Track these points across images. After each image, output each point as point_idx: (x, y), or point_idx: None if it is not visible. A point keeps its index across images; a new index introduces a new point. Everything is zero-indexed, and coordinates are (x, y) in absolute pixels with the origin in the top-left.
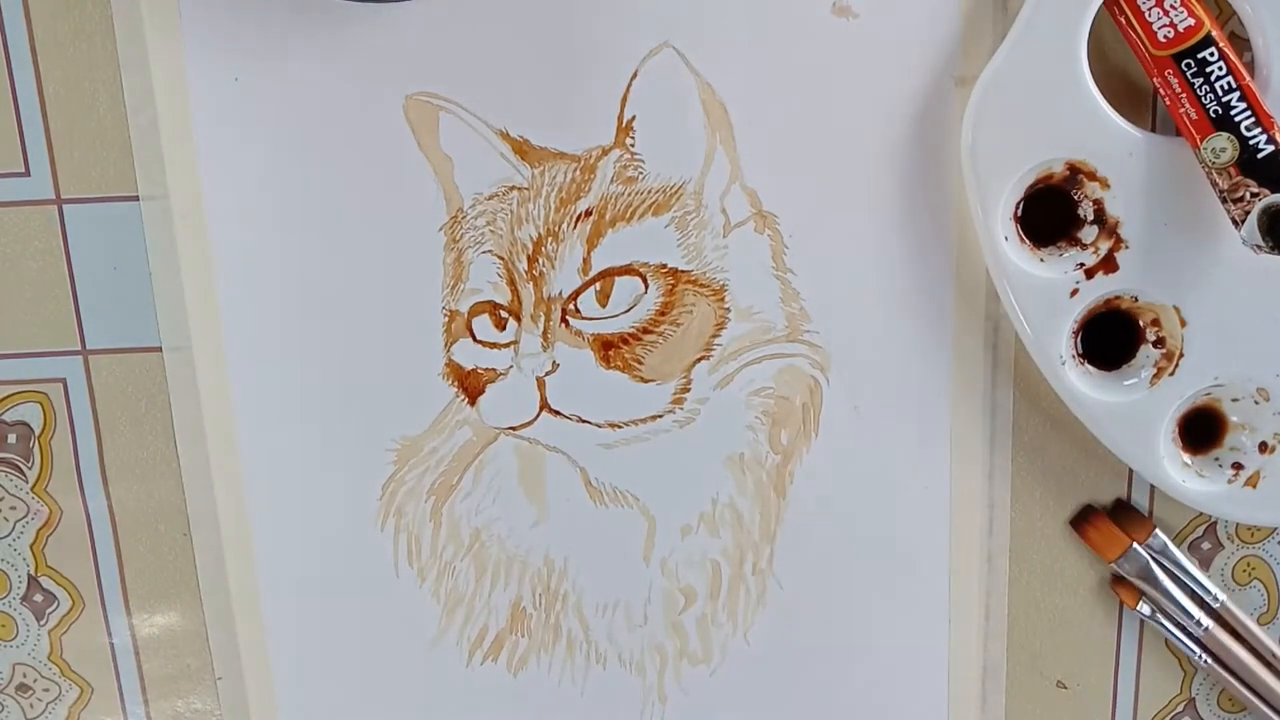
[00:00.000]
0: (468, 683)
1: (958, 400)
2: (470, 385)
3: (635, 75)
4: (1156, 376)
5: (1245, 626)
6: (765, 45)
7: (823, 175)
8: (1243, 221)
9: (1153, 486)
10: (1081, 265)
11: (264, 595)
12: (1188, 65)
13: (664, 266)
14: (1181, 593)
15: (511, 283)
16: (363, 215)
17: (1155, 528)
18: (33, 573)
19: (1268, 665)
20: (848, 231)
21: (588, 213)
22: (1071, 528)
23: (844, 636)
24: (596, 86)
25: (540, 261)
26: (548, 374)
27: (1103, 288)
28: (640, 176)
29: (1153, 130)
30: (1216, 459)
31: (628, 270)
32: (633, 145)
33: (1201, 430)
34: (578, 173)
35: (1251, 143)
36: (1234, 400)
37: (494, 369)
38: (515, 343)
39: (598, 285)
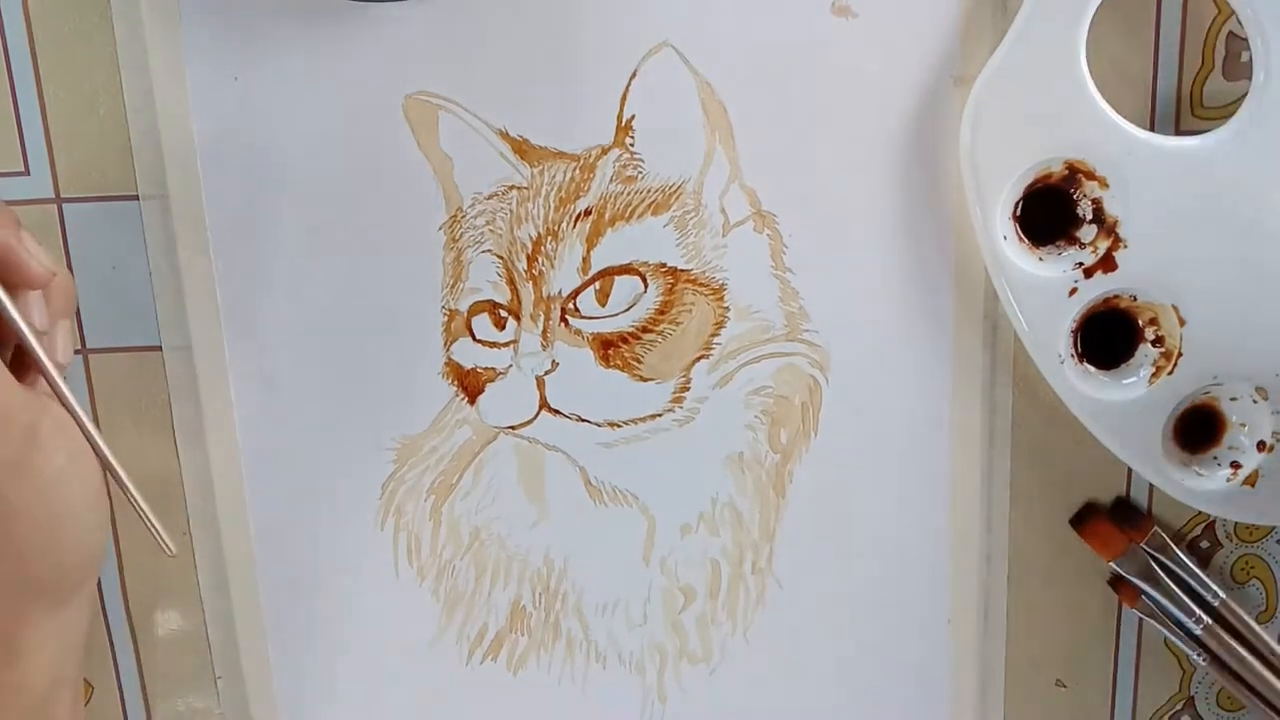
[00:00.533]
0: (467, 682)
1: (957, 399)
2: (470, 384)
3: (635, 75)
4: (1155, 375)
5: (1244, 625)
6: (765, 45)
7: (822, 175)
8: None
9: (1152, 486)
10: (1080, 264)
11: (264, 595)
12: None
13: (663, 266)
14: (1181, 591)
15: (511, 282)
16: (362, 215)
17: (1154, 527)
18: None
19: (1267, 664)
20: (847, 231)
21: (587, 212)
22: (1071, 527)
23: (844, 636)
24: (596, 86)
25: (540, 261)
26: (547, 373)
27: (1101, 287)
28: (639, 176)
29: (1152, 129)
30: (1215, 458)
31: (627, 269)
32: (632, 145)
33: (1200, 429)
34: (577, 172)
35: None
36: (1232, 399)
37: (493, 368)
38: (515, 342)
39: (597, 284)
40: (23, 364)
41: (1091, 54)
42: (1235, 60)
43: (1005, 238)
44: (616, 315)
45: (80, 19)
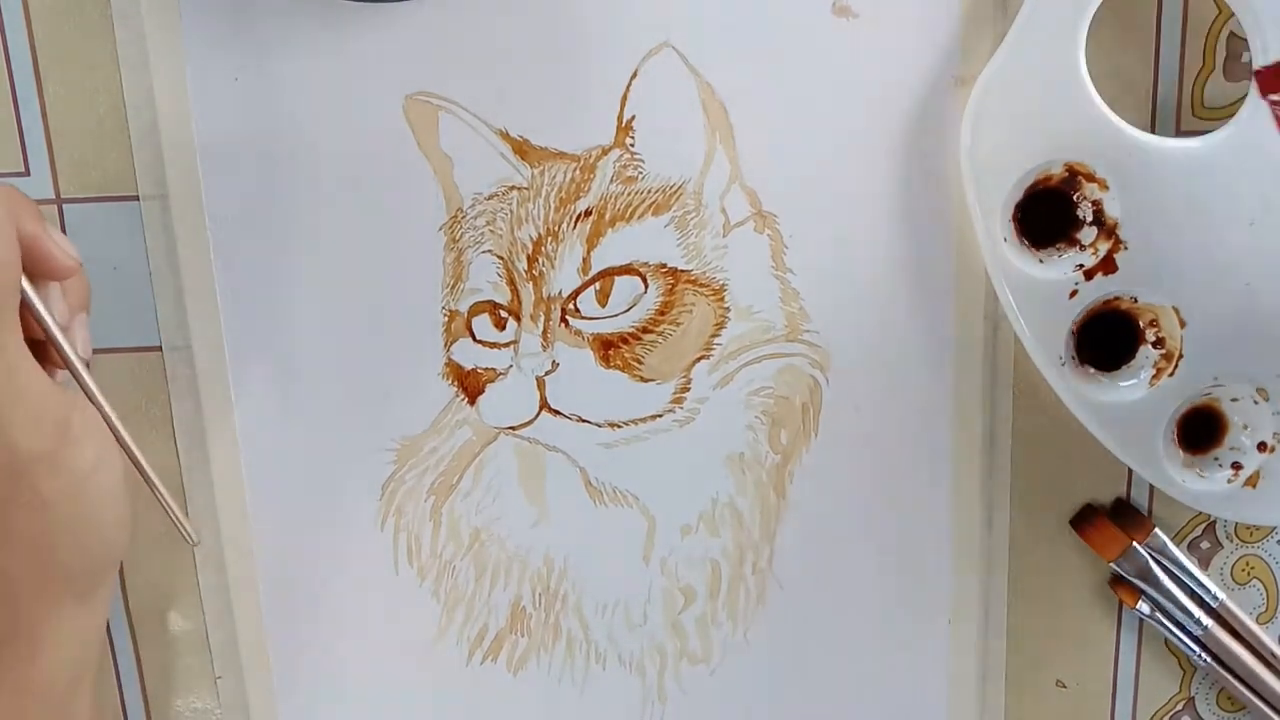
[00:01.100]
0: (467, 682)
1: (957, 400)
2: (470, 385)
3: (635, 75)
4: (1156, 377)
5: (1244, 625)
6: (765, 45)
7: (822, 175)
8: None
9: (1152, 486)
10: (1080, 266)
11: (264, 595)
12: None
13: (664, 266)
14: (1181, 592)
15: (511, 282)
16: (363, 215)
17: (1154, 527)
18: None
19: (1267, 664)
20: (847, 231)
21: (587, 212)
22: (1071, 527)
23: (844, 636)
24: (596, 86)
25: (540, 261)
26: (547, 374)
27: (1102, 289)
28: (640, 176)
29: (1152, 131)
30: (1216, 459)
31: (627, 270)
32: (632, 145)
33: (1201, 430)
34: (577, 172)
35: None
36: (1233, 400)
37: (494, 369)
38: (515, 342)
39: (597, 285)
40: (43, 358)
41: (1091, 55)
42: (1235, 61)
43: (1005, 239)
44: (617, 316)
45: (80, 19)
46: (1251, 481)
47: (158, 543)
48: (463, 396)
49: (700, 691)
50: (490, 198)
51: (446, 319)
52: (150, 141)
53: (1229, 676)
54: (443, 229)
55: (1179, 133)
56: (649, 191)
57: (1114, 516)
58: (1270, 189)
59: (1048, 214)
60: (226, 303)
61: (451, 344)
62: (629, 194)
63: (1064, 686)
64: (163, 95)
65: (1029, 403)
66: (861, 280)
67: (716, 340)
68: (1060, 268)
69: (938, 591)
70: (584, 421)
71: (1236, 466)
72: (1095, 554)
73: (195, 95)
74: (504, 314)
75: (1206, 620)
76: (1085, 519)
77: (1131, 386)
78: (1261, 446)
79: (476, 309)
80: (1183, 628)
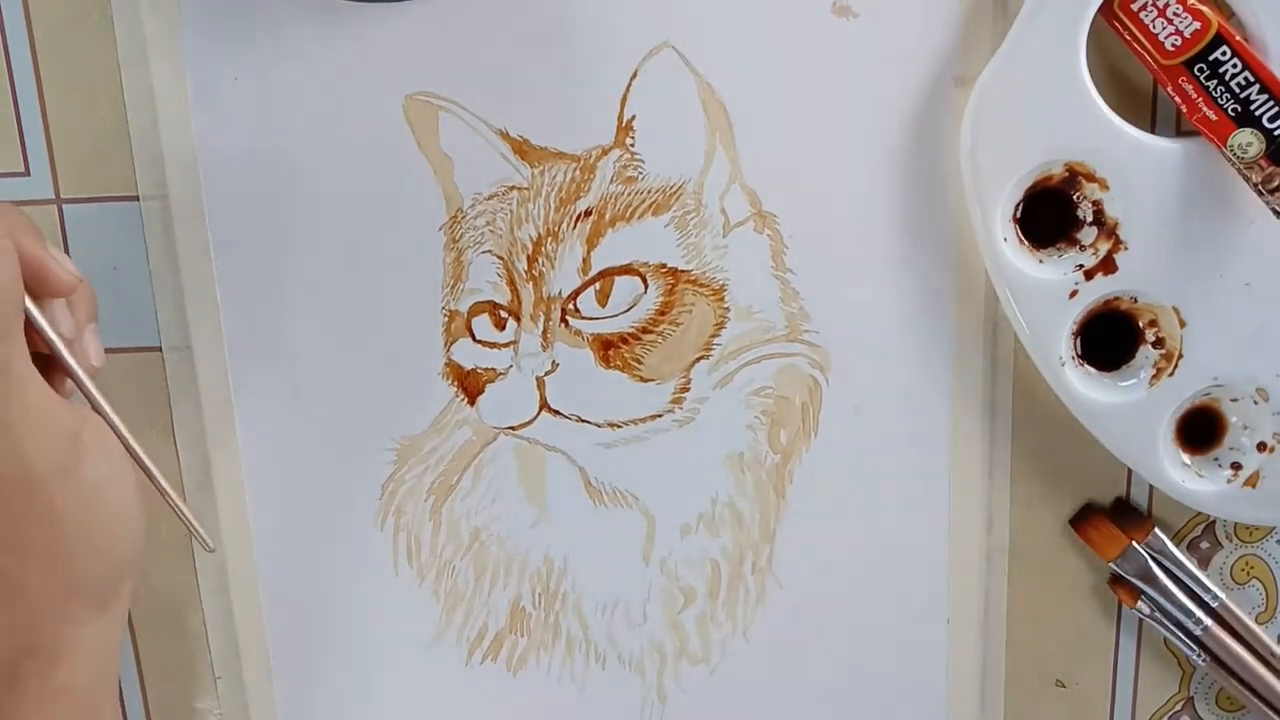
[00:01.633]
0: (467, 682)
1: (957, 400)
2: (470, 385)
3: (635, 75)
4: (1156, 377)
5: (1244, 625)
6: (765, 45)
7: (823, 175)
8: None
9: (1152, 486)
10: (1080, 266)
11: (264, 595)
12: (1200, 69)
13: (664, 266)
14: (1180, 592)
15: (511, 283)
16: (363, 215)
17: (1154, 527)
18: None
19: (1266, 664)
20: (848, 231)
21: (587, 212)
22: (1071, 527)
23: (844, 636)
24: (596, 86)
25: (540, 261)
26: (547, 374)
27: (1102, 289)
28: (640, 176)
29: (1152, 131)
30: (1216, 459)
31: (627, 270)
32: (632, 145)
33: (1201, 430)
34: (577, 172)
35: (1277, 134)
36: (1233, 400)
37: (494, 369)
38: (515, 342)
39: (597, 285)
40: (51, 370)
41: (1092, 55)
42: None
43: (1005, 240)
44: (617, 316)
45: (80, 19)
46: (1251, 481)
47: (158, 545)
48: (463, 396)
49: (700, 691)
50: (490, 198)
51: (446, 319)
52: (150, 141)
53: (1228, 676)
54: (443, 229)
55: (1179, 133)
56: (649, 191)
57: (1114, 516)
58: None
59: (1048, 214)
60: (226, 303)
61: (451, 344)
62: (629, 194)
63: (1064, 686)
64: (163, 95)
65: (1029, 403)
66: (861, 280)
67: (716, 340)
68: (1060, 268)
69: (937, 591)
70: (584, 421)
71: (1236, 466)
72: (1095, 554)
73: (195, 95)
74: (504, 314)
75: (1206, 620)
76: (1085, 519)
77: (1131, 386)
78: (1261, 446)
79: (476, 309)
80: (1182, 628)
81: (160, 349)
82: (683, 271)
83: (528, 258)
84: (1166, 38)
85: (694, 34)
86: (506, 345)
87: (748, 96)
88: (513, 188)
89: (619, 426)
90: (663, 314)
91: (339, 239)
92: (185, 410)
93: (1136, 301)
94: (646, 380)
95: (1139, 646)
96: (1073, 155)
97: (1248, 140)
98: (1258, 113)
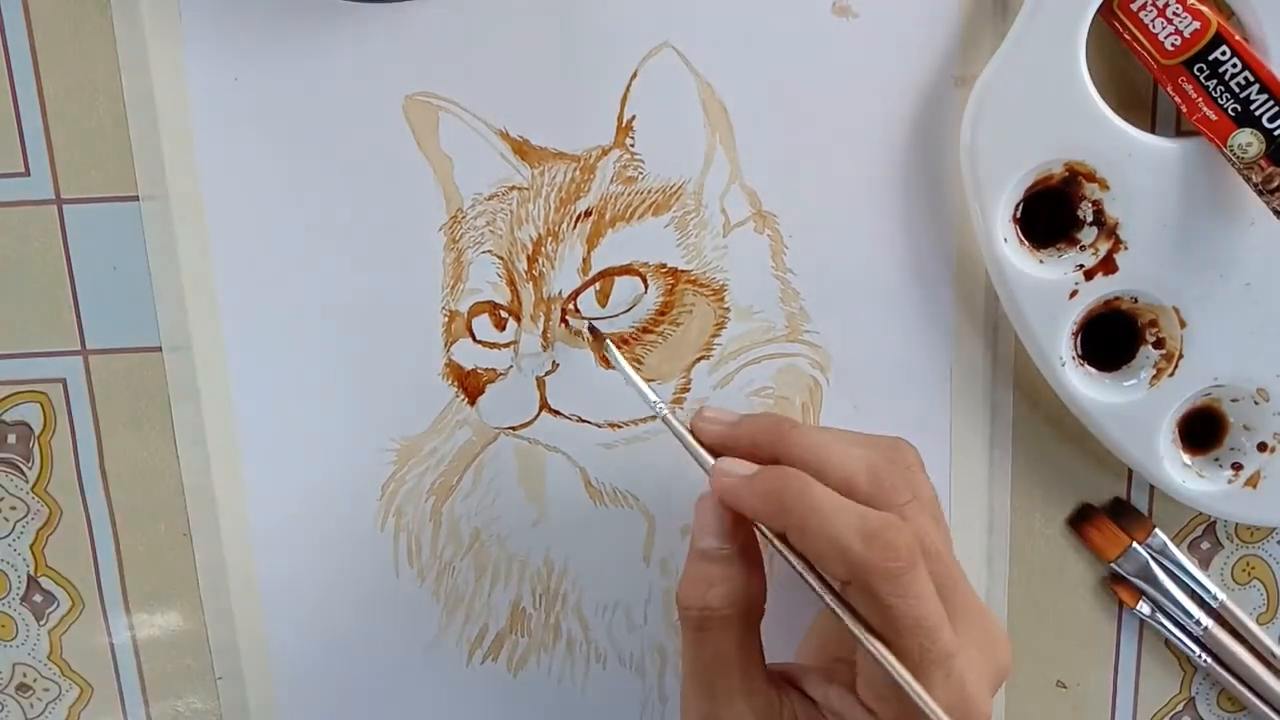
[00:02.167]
0: (467, 683)
1: (958, 400)
2: (470, 385)
3: (635, 75)
4: (1156, 377)
5: (1245, 626)
6: (765, 45)
7: (823, 175)
8: None
9: (1152, 486)
10: (1081, 266)
11: (264, 595)
12: (1200, 69)
13: (664, 266)
14: (1181, 592)
15: (511, 283)
16: (362, 215)
17: (1154, 527)
18: (32, 573)
19: (1267, 665)
20: (848, 231)
21: (587, 213)
22: (1071, 527)
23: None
24: (596, 86)
25: (540, 261)
26: (547, 374)
27: (1102, 289)
28: (640, 176)
29: (1152, 131)
30: (1216, 459)
31: (627, 270)
32: (632, 145)
33: (1201, 430)
34: (577, 173)
35: (1277, 134)
36: (1234, 401)
37: (494, 369)
38: (515, 343)
39: (597, 285)
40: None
41: (1092, 55)
42: None
43: (1006, 240)
44: (617, 316)
45: (80, 19)
46: (1252, 482)
47: (157, 542)
48: (463, 397)
49: None
50: (490, 198)
51: (446, 319)
52: (150, 141)
53: (1229, 677)
54: (443, 229)
55: (1179, 133)
56: (649, 192)
57: (1114, 516)
58: None
59: (1048, 214)
60: (226, 303)
61: (451, 344)
62: (629, 194)
63: (1064, 686)
64: (163, 95)
65: (1029, 403)
66: (861, 280)
67: (716, 340)
68: (1060, 268)
69: None
70: (584, 422)
71: (1236, 467)
72: (1095, 554)
73: (195, 95)
74: (504, 314)
75: (1207, 620)
76: (1085, 519)
77: (1131, 386)
78: (1262, 447)
79: (476, 309)
80: (1183, 628)
81: (160, 349)
82: (683, 271)
83: (528, 258)
84: (1166, 38)
85: (694, 34)
86: (506, 345)
87: (748, 96)
88: (513, 188)
89: (619, 427)
90: (663, 314)
91: (339, 239)
92: (185, 410)
93: (1137, 302)
94: (647, 380)
95: (1140, 647)
96: (1073, 155)
97: (1248, 140)
98: (1258, 113)
